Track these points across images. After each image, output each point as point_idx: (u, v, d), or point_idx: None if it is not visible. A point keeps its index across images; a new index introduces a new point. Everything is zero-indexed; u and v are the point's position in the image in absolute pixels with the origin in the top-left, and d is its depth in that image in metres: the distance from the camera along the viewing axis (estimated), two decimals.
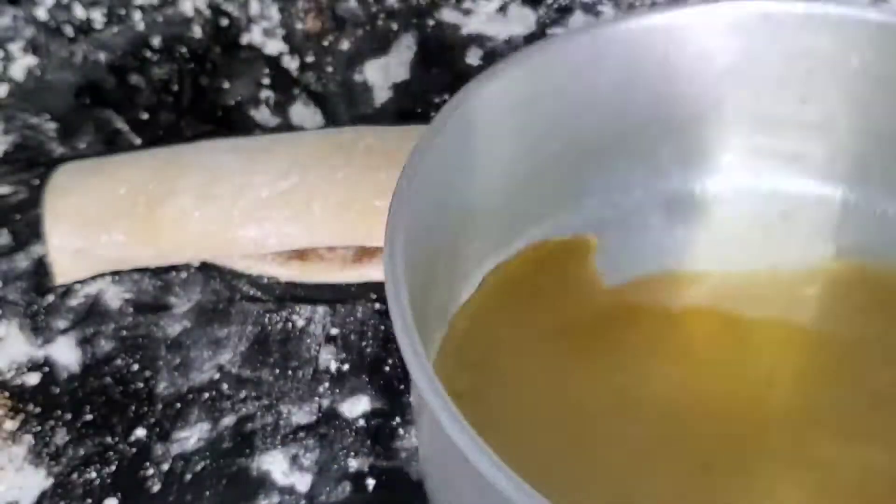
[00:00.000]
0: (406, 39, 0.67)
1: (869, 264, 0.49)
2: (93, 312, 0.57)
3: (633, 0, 0.69)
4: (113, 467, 0.51)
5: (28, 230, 0.59)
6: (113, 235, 0.53)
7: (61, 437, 0.53)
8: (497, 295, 0.47)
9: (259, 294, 0.57)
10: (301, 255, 0.57)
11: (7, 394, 0.54)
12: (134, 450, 0.52)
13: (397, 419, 0.54)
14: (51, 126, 0.63)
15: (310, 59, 0.66)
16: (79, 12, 0.67)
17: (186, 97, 0.64)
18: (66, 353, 0.55)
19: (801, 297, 0.49)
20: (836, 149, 0.49)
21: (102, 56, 0.66)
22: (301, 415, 0.54)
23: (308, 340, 0.56)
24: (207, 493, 0.50)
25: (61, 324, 0.56)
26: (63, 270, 0.55)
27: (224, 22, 0.67)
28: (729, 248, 0.50)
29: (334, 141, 0.56)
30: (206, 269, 0.58)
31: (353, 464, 0.53)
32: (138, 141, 0.62)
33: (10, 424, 0.53)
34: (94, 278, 0.57)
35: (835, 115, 0.48)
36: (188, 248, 0.54)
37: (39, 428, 0.53)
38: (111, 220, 0.53)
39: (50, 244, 0.54)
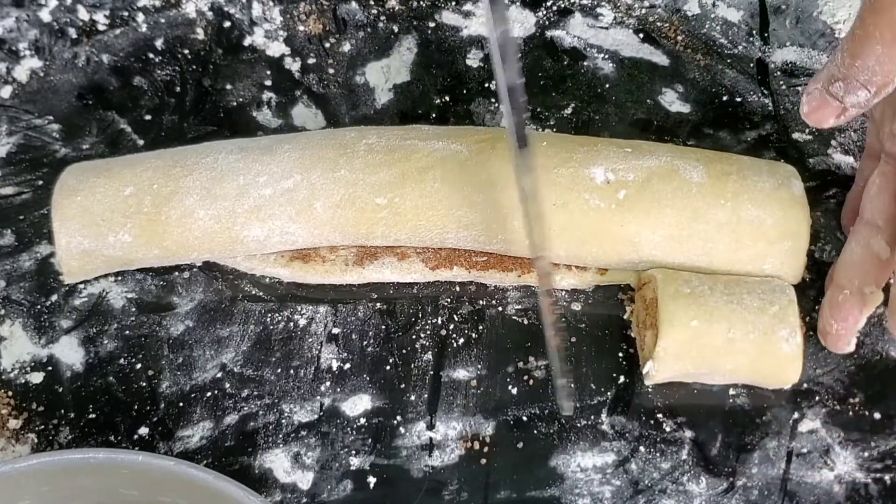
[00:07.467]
0: (407, 41, 0.67)
1: None
2: (96, 312, 0.57)
3: (632, 2, 0.69)
4: None
5: (32, 231, 0.59)
6: (120, 235, 0.54)
7: (65, 435, 0.53)
8: None
9: (261, 294, 0.58)
10: (303, 255, 0.58)
11: (11, 393, 0.54)
12: (137, 448, 0.53)
13: (398, 418, 0.54)
14: (54, 127, 0.63)
15: (311, 60, 0.66)
16: (82, 14, 0.68)
17: (189, 99, 0.64)
18: (69, 353, 0.56)
19: None
20: None
21: (106, 58, 0.66)
22: (303, 413, 0.54)
23: (310, 340, 0.56)
24: None
25: (65, 323, 0.56)
26: (71, 270, 0.55)
27: (226, 24, 0.68)
28: None
29: (336, 140, 0.56)
30: (209, 269, 0.58)
31: (355, 462, 0.53)
32: (141, 142, 0.63)
33: (14, 423, 0.53)
34: (97, 278, 0.57)
35: None
36: (193, 247, 0.55)
37: (43, 426, 0.54)
38: (118, 221, 0.53)
39: (58, 244, 0.54)
